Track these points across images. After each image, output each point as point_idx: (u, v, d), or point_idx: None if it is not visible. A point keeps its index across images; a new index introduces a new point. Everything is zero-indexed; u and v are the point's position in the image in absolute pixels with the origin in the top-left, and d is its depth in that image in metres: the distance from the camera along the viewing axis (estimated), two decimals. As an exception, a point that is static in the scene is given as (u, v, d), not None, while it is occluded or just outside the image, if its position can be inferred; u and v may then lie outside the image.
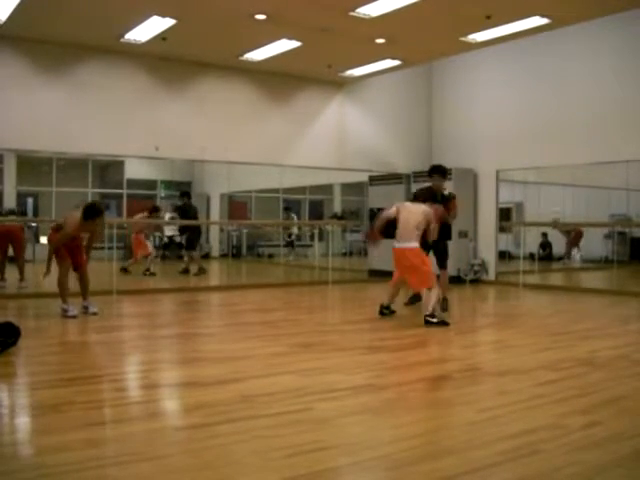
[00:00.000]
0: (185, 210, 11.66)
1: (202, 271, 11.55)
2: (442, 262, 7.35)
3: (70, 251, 6.67)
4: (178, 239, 13.39)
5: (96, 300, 7.00)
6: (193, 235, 11.75)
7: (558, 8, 7.85)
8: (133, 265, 11.24)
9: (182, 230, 12.67)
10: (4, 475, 2.50)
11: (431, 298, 6.28)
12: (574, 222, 12.12)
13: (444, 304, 7.22)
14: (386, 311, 6.75)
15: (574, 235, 12.69)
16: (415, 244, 6.31)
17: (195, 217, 11.81)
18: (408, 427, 3.20)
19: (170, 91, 10.13)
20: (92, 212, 6.56)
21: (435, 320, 6.19)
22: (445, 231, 7.23)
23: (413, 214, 6.40)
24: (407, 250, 6.32)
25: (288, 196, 15.33)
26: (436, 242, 7.06)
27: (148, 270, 11.21)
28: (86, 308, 6.75)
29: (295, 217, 14.75)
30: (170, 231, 13.67)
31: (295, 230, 14.84)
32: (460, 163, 11.20)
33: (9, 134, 8.72)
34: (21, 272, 8.86)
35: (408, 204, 6.71)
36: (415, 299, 7.46)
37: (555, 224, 12.14)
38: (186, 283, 10.68)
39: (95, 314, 6.66)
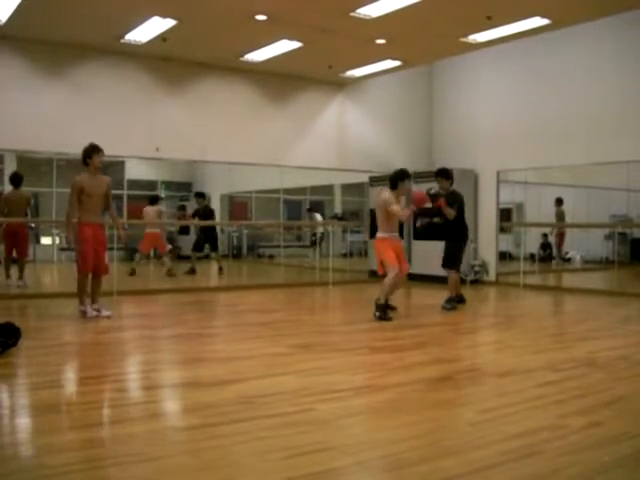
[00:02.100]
0: (206, 213, 11.74)
1: (193, 271, 11.61)
2: (444, 261, 7.71)
3: (94, 253, 6.51)
4: None
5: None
6: (209, 236, 11.87)
7: (558, 9, 7.85)
8: (167, 263, 11.44)
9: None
10: (5, 476, 2.50)
11: (384, 286, 6.69)
12: (574, 222, 12.12)
13: (451, 304, 7.49)
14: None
15: (558, 236, 12.68)
16: (380, 233, 6.88)
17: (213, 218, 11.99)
18: (409, 428, 3.19)
19: (170, 92, 10.13)
20: (88, 151, 6.42)
21: (378, 314, 6.58)
22: (453, 230, 7.61)
23: (377, 208, 7.01)
24: (376, 239, 6.98)
25: (288, 197, 15.32)
26: (446, 241, 7.69)
27: (134, 270, 11.15)
28: (98, 311, 6.60)
29: (319, 217, 14.70)
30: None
31: (320, 230, 14.76)
32: (461, 164, 11.19)
33: (9, 134, 8.72)
34: (21, 271, 8.89)
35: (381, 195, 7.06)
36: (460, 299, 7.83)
37: (553, 229, 12.20)
38: (190, 283, 10.69)
39: (109, 317, 6.52)
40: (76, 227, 6.51)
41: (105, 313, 6.55)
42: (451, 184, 7.75)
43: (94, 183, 6.48)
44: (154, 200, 11.60)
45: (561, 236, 12.60)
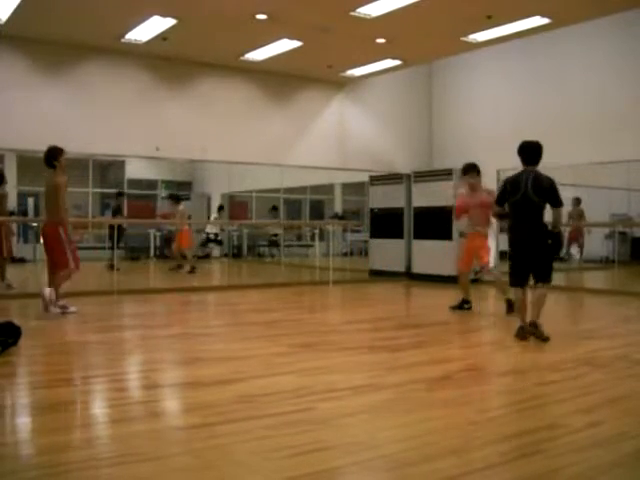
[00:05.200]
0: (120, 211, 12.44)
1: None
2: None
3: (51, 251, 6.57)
4: (219, 237, 13.67)
5: (97, 300, 6.99)
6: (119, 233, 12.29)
7: (558, 8, 7.84)
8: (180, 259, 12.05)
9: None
10: (5, 475, 2.50)
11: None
12: (574, 221, 12.10)
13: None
14: (466, 306, 7.40)
15: (572, 232, 12.59)
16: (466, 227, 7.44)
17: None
18: (409, 427, 3.19)
19: (171, 91, 10.12)
20: (56, 153, 6.56)
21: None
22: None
23: None
24: None
25: (289, 196, 15.34)
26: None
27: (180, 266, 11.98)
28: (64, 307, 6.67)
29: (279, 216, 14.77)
30: (214, 228, 13.77)
31: (278, 230, 14.84)
32: (460, 163, 11.13)
33: (9, 134, 8.71)
34: None
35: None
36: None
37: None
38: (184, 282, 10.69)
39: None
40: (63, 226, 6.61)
41: (55, 310, 6.57)
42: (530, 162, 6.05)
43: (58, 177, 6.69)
44: (178, 198, 12.14)
45: (577, 234, 12.35)
